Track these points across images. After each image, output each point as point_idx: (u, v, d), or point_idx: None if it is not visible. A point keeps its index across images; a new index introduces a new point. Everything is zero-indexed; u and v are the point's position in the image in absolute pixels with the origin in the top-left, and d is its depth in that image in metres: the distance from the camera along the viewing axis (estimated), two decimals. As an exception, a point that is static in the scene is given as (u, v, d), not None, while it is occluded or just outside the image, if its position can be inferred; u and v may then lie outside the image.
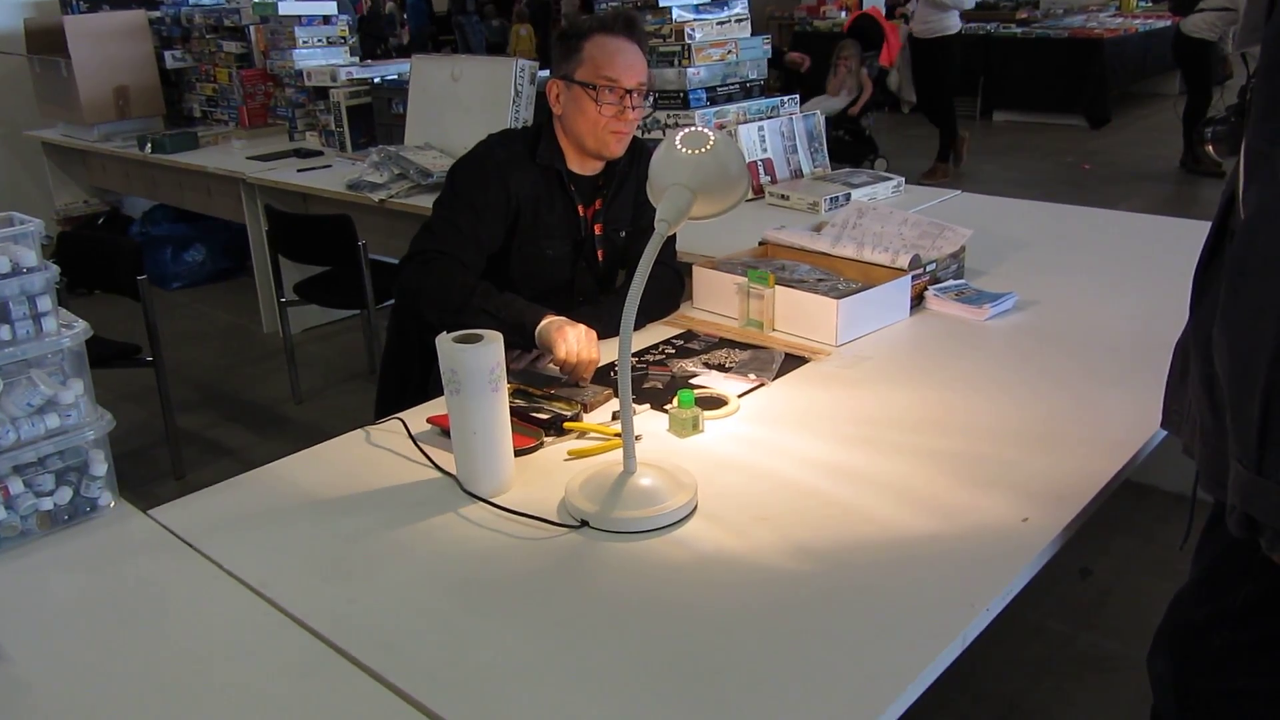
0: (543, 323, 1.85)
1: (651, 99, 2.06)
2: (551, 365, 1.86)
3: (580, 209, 2.12)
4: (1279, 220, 1.03)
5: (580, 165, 2.10)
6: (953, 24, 7.03)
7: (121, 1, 5.39)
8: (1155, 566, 2.62)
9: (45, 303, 1.41)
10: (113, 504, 1.50)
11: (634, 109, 2.01)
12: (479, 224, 2.02)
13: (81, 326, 1.46)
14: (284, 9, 4.77)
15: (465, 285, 1.94)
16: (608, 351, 1.89)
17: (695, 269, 2.25)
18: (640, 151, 2.17)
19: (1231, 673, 1.35)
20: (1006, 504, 1.42)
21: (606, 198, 2.14)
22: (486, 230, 2.03)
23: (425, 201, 3.37)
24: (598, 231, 2.16)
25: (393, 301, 2.76)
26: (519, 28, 12.03)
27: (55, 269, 1.42)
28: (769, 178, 3.36)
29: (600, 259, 2.18)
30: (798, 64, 7.01)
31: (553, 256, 2.11)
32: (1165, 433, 1.64)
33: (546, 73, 3.92)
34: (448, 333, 1.45)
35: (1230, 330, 1.09)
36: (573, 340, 1.80)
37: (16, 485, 1.40)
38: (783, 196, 3.18)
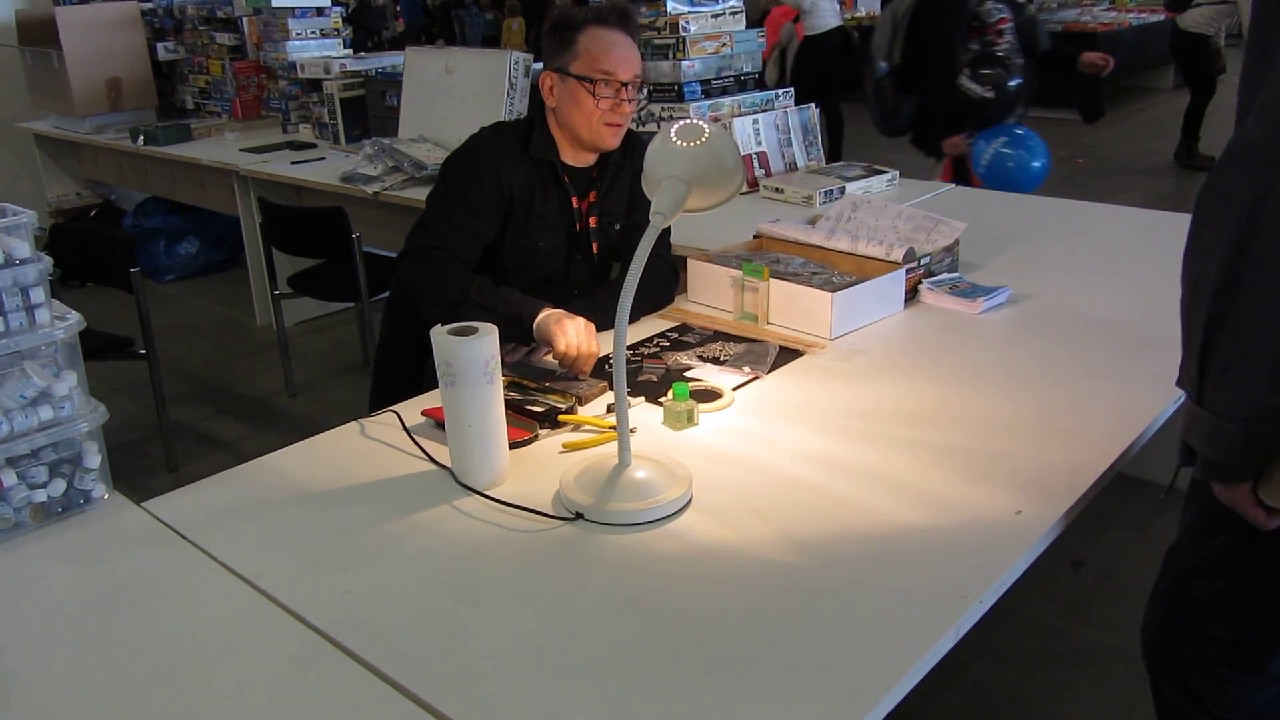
0: (541, 316, 1.85)
1: (646, 91, 2.06)
2: (549, 358, 1.86)
3: (574, 201, 2.12)
4: (1236, 160, 1.10)
5: (574, 157, 2.10)
6: (819, 22, 7.22)
7: (113, -8, 5.37)
8: (1147, 560, 2.63)
9: (39, 294, 1.40)
10: (106, 496, 1.50)
11: (629, 101, 2.01)
12: (473, 217, 2.02)
13: (75, 318, 1.46)
14: (277, 1, 4.75)
15: (461, 280, 1.94)
16: (603, 344, 1.89)
17: (690, 262, 2.25)
18: (635, 144, 2.17)
19: (1205, 619, 1.43)
20: (999, 496, 1.43)
21: (601, 190, 2.14)
22: (481, 223, 2.03)
23: (419, 194, 3.37)
24: (592, 224, 2.16)
25: (387, 294, 2.76)
26: (511, 21, 12.01)
27: (49, 261, 1.42)
28: (763, 171, 3.36)
29: (595, 251, 2.18)
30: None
31: (546, 249, 2.11)
32: (1158, 426, 1.66)
33: (540, 65, 3.92)
34: (443, 325, 1.45)
35: (1186, 264, 1.17)
36: (572, 333, 1.80)
37: (10, 477, 1.39)
38: (777, 190, 3.18)
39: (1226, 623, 1.41)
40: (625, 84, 1.99)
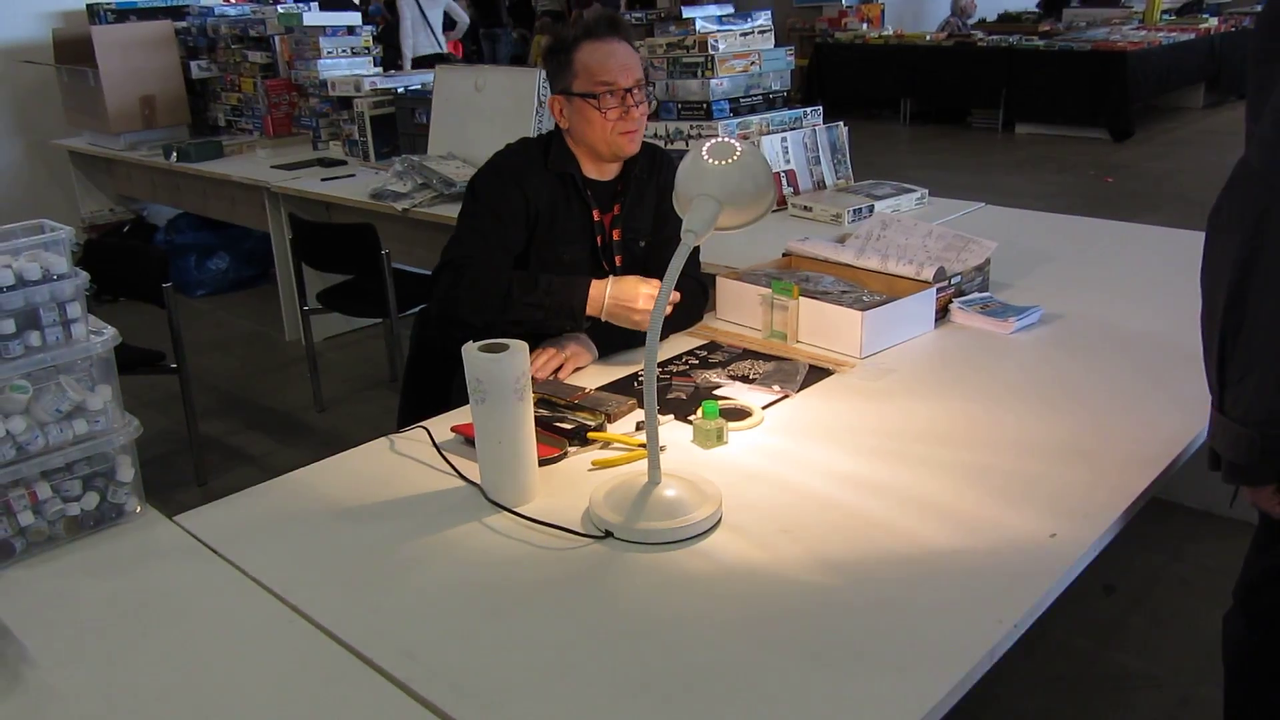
0: (595, 304, 1.93)
1: (653, 88, 2.07)
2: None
3: (596, 214, 2.12)
4: (1239, 184, 1.20)
5: (596, 171, 2.11)
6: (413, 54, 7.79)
7: (148, 12, 5.44)
8: (1179, 585, 2.59)
9: (75, 309, 1.42)
10: (139, 510, 1.51)
11: (637, 105, 2.02)
12: (502, 229, 2.04)
13: (111, 333, 1.47)
14: (309, 20, 4.81)
15: (500, 283, 1.96)
16: (632, 363, 1.88)
17: (719, 280, 2.25)
18: (660, 159, 2.18)
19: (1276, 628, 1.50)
20: (1033, 519, 1.41)
21: (625, 204, 2.14)
22: (510, 234, 2.05)
23: (448, 211, 3.39)
24: (616, 237, 2.16)
25: (416, 310, 2.77)
26: (540, 39, 12.10)
27: (85, 276, 1.43)
28: (792, 189, 3.36)
29: (619, 265, 2.18)
30: None
31: (569, 261, 2.12)
32: (1193, 449, 1.63)
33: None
34: (474, 341, 1.45)
35: (1202, 280, 1.27)
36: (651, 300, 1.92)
37: (44, 490, 1.41)
38: (806, 208, 3.17)
39: None
40: (629, 90, 2.00)
